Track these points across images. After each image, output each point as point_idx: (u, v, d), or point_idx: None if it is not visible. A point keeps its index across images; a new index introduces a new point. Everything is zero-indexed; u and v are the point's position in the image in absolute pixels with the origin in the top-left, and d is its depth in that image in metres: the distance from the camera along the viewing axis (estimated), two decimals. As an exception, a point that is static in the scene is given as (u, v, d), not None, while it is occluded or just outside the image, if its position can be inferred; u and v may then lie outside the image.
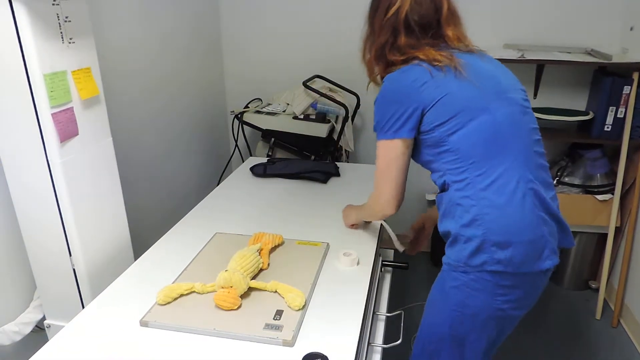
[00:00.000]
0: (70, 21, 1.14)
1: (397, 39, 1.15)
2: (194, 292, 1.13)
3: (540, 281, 1.13)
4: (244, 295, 1.11)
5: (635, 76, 2.16)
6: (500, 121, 1.07)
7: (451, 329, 1.14)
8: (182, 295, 1.11)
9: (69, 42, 1.15)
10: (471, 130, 1.06)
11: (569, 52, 2.32)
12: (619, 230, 2.34)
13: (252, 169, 1.93)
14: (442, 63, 1.09)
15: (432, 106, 1.08)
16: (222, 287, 1.09)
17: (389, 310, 1.28)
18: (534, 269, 1.08)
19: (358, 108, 2.50)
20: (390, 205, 1.19)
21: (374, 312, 1.20)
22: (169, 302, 1.09)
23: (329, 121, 2.32)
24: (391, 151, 1.14)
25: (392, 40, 1.15)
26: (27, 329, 1.37)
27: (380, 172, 1.18)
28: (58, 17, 1.11)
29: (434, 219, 1.49)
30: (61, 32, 1.12)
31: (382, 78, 1.19)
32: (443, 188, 1.15)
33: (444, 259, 1.15)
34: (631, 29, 2.27)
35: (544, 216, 1.09)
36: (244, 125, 2.42)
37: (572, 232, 1.17)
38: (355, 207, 1.46)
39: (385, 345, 1.13)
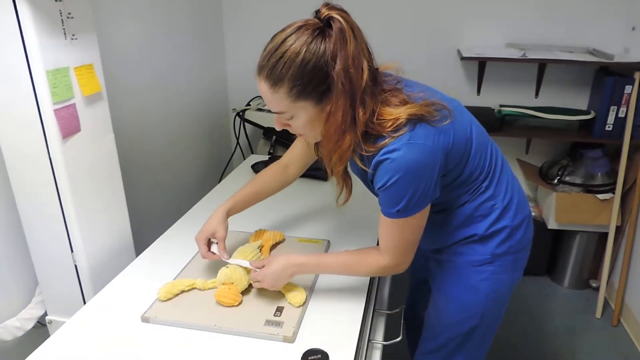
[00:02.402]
0: (73, 18, 1.14)
1: (380, 104, 0.93)
2: (195, 288, 1.13)
3: None
4: (245, 292, 1.11)
5: (637, 76, 2.16)
6: (477, 123, 1.09)
7: (483, 315, 1.16)
8: (183, 291, 1.12)
9: (72, 39, 1.15)
10: (476, 144, 1.03)
11: (571, 52, 2.31)
12: (619, 230, 2.34)
13: (253, 166, 1.93)
14: (438, 116, 0.94)
15: (450, 148, 0.96)
16: (223, 284, 1.10)
17: (389, 308, 1.28)
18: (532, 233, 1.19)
19: (359, 106, 2.49)
20: (405, 268, 1.07)
21: (374, 309, 1.20)
22: (170, 298, 1.10)
23: (330, 119, 2.32)
24: (423, 218, 1.00)
25: (377, 105, 0.92)
26: (29, 325, 1.37)
27: (407, 244, 1.02)
28: (61, 13, 1.11)
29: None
30: (64, 29, 1.12)
31: (369, 160, 0.95)
32: (448, 207, 1.10)
33: (462, 258, 1.13)
34: (633, 28, 2.27)
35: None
36: (246, 123, 2.43)
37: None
38: (301, 263, 1.08)
39: (385, 342, 1.13)
